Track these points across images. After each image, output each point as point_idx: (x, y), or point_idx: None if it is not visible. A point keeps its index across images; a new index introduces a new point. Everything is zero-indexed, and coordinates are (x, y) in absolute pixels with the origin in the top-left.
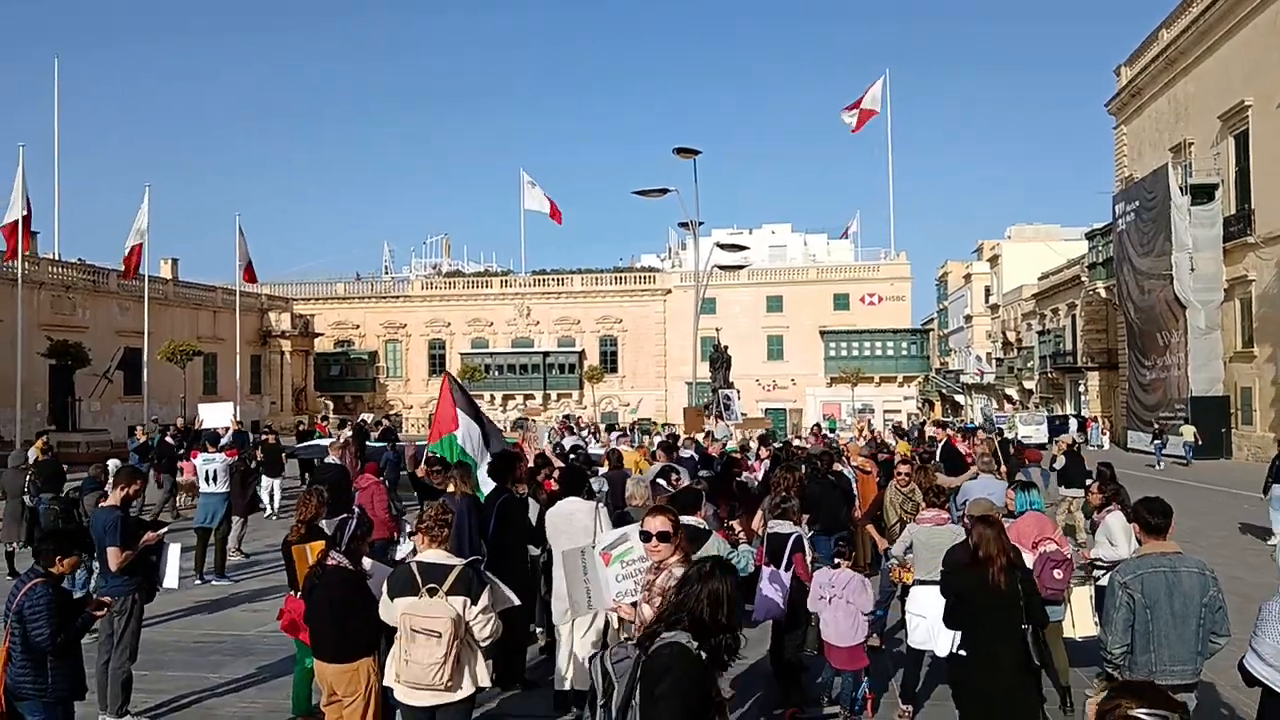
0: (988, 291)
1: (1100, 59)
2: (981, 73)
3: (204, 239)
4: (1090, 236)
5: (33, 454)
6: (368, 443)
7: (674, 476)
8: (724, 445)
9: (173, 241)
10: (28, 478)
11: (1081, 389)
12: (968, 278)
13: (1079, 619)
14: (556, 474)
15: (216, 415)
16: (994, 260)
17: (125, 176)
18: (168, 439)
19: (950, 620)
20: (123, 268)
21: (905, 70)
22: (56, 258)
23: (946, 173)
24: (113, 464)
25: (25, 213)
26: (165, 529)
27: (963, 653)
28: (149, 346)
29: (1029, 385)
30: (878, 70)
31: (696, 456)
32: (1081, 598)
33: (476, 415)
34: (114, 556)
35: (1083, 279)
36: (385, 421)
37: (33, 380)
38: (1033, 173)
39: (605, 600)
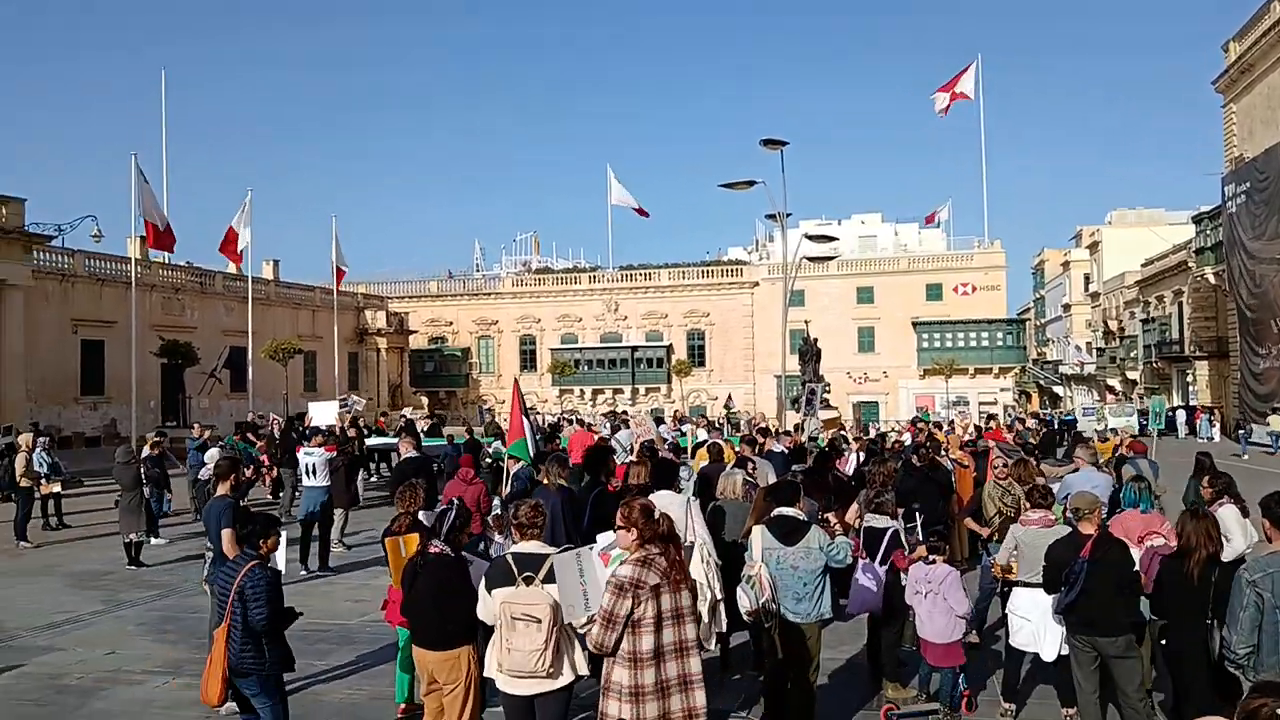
0: (1087, 279)
1: (1206, 34)
2: (1078, 53)
3: (303, 240)
4: (1198, 220)
5: (145, 450)
6: (425, 440)
7: (750, 467)
8: (815, 438)
9: (273, 243)
10: (140, 471)
11: (1189, 379)
12: (1066, 265)
13: None
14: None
15: (324, 413)
16: (1094, 247)
17: (228, 181)
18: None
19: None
20: (231, 266)
21: (998, 54)
22: (166, 261)
23: (1042, 158)
24: (210, 455)
25: (145, 217)
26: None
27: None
28: (253, 345)
29: (1132, 375)
30: (969, 56)
31: (787, 450)
32: None
33: (528, 420)
34: (227, 539)
35: (1190, 264)
36: (432, 419)
37: (146, 378)
38: (1133, 155)
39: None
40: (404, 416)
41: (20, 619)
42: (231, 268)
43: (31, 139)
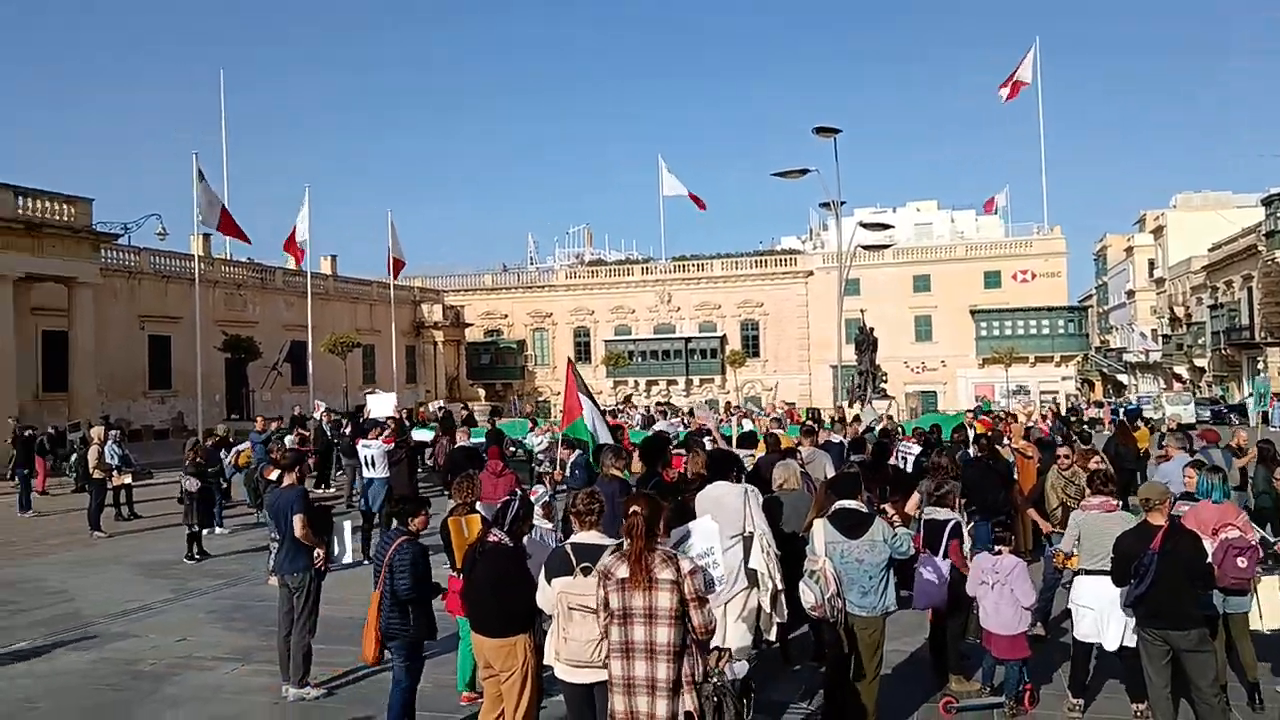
0: (1151, 265)
1: (1271, 13)
2: (1139, 33)
3: (360, 236)
4: (1268, 202)
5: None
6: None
7: (799, 456)
8: (873, 429)
9: (331, 239)
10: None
11: (1260, 366)
12: (1129, 251)
13: (1267, 610)
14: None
15: (381, 405)
16: (1158, 231)
17: (286, 178)
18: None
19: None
20: (290, 258)
21: (1056, 36)
22: (228, 258)
23: (1103, 141)
24: (288, 440)
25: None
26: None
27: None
28: (313, 339)
29: (1200, 363)
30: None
31: (845, 440)
32: (1270, 588)
33: (592, 400)
34: (299, 523)
35: (1260, 248)
36: (444, 409)
37: (210, 373)
38: (1199, 138)
39: None
40: (442, 408)
41: (96, 606)
42: (291, 263)
43: (96, 140)
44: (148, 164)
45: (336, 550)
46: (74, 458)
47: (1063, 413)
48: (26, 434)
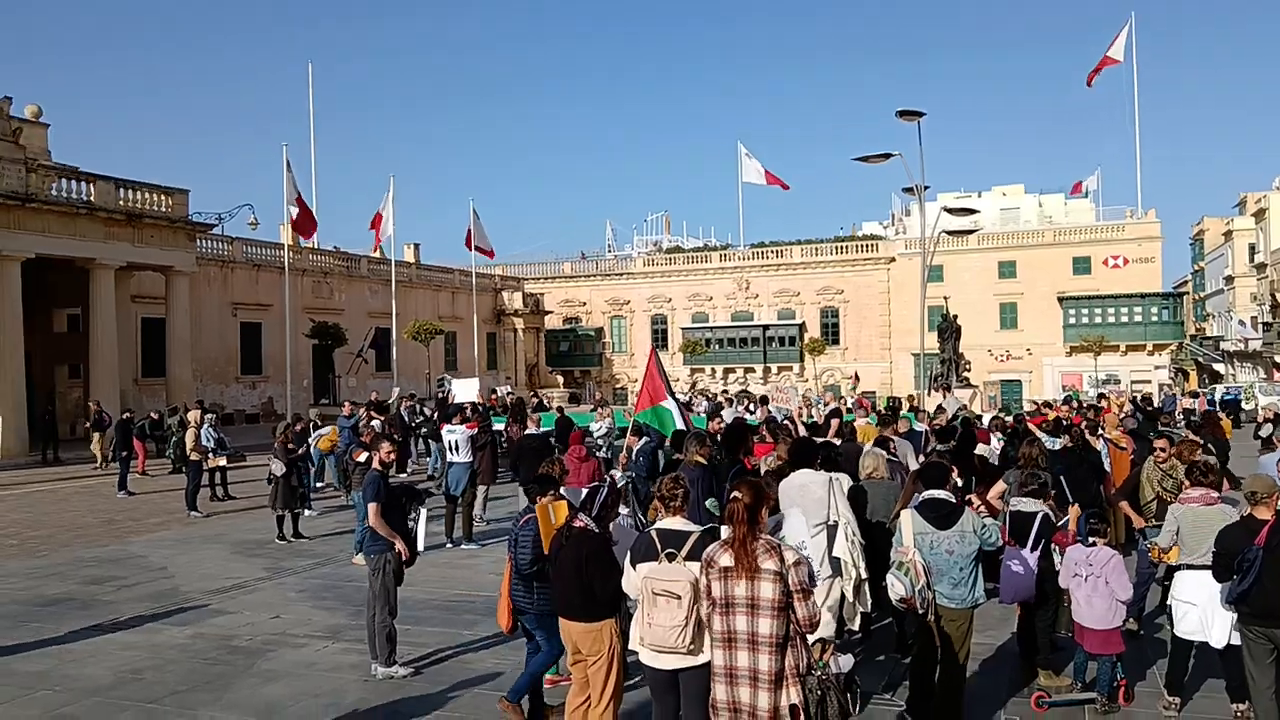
0: (1252, 249)
1: None
2: (1236, 12)
3: (442, 224)
4: None
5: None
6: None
7: (891, 446)
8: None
9: (414, 227)
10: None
11: None
12: (1228, 235)
13: None
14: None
15: (466, 390)
16: (1259, 214)
17: (371, 166)
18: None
19: None
20: (378, 251)
21: (1153, 12)
22: (316, 246)
23: (1201, 122)
24: (375, 424)
25: (295, 210)
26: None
27: None
28: (396, 326)
29: None
30: (1119, 16)
31: (926, 430)
32: None
33: (671, 391)
34: (371, 513)
35: None
36: (515, 395)
37: (299, 359)
38: None
39: None
40: (511, 393)
41: (194, 583)
42: (376, 251)
43: (192, 133)
44: (242, 155)
45: (414, 535)
46: (173, 440)
47: (1145, 406)
48: (125, 417)
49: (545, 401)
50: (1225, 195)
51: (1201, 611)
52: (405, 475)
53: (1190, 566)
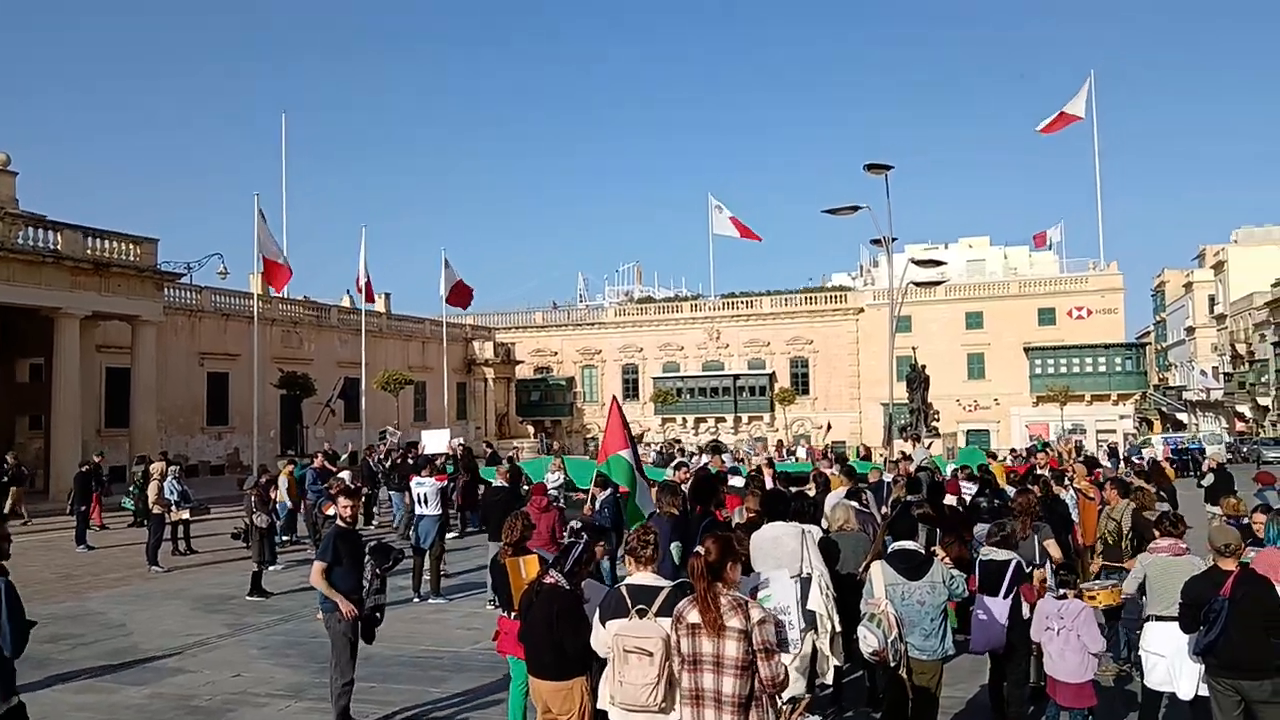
0: (1212, 301)
1: None
2: (1195, 68)
3: (412, 273)
4: None
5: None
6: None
7: (863, 497)
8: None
9: (385, 276)
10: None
11: None
12: (1188, 286)
13: None
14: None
15: (435, 441)
16: (1219, 267)
17: (342, 217)
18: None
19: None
20: (346, 301)
21: (1113, 71)
22: (286, 296)
23: (1160, 176)
24: (345, 475)
25: (265, 255)
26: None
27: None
28: (366, 376)
29: (1264, 401)
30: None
31: (888, 480)
32: None
33: (633, 441)
34: (314, 572)
35: None
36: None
37: (266, 410)
38: (1259, 171)
39: None
40: (461, 445)
41: (153, 640)
42: (346, 301)
43: (161, 181)
44: (212, 204)
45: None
46: (132, 489)
47: (1096, 454)
48: (84, 469)
49: (498, 452)
50: (1185, 248)
51: (1170, 663)
52: (374, 526)
53: (1159, 618)
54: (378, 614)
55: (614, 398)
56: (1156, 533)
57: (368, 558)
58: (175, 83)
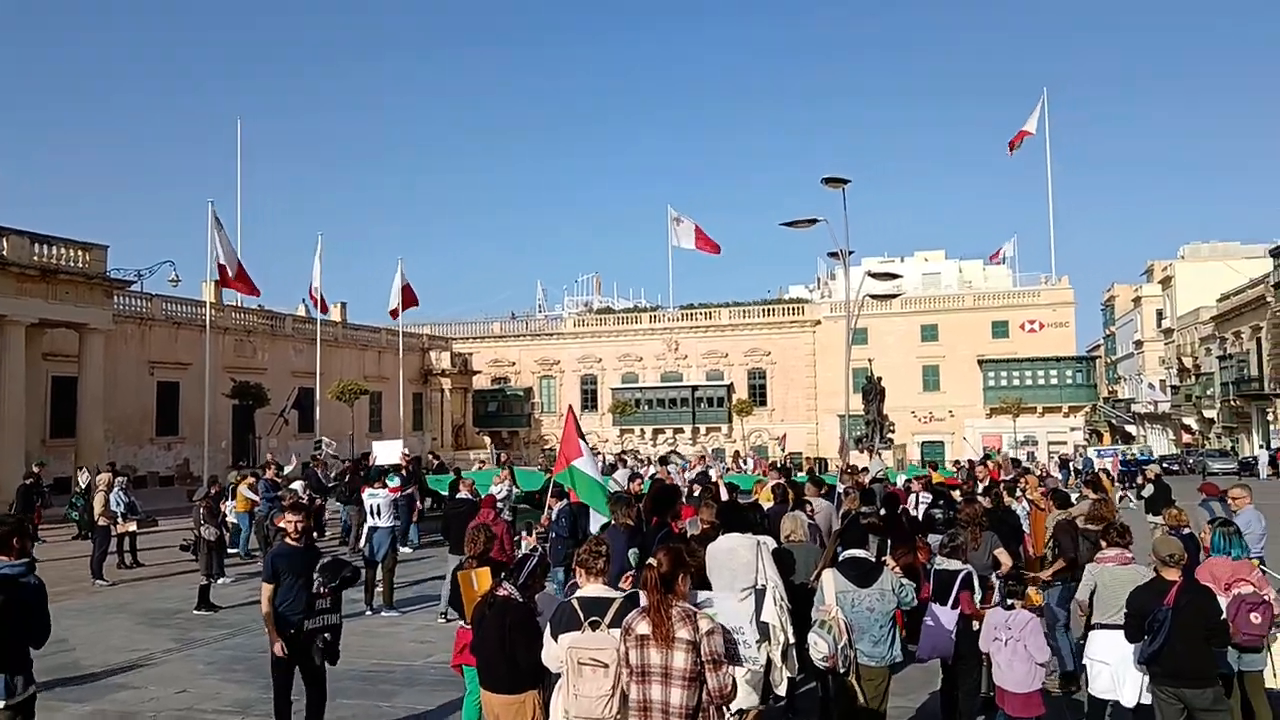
0: (1160, 315)
1: (1275, 67)
2: (1145, 87)
3: (370, 282)
4: (1276, 253)
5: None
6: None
7: (809, 509)
8: (881, 479)
9: (341, 285)
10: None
11: (1270, 417)
12: (1137, 301)
13: None
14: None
15: (387, 452)
16: (1166, 282)
17: (298, 225)
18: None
19: None
20: (301, 310)
21: (1065, 88)
22: (240, 304)
23: (1110, 192)
24: (297, 486)
25: (222, 262)
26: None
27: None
28: (320, 386)
29: (1210, 414)
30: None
31: (840, 489)
32: None
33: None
34: (263, 596)
35: (1269, 299)
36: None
37: (218, 420)
38: (1206, 189)
39: None
40: (408, 455)
41: (95, 656)
42: (301, 310)
43: (113, 187)
44: (165, 211)
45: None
46: (75, 500)
47: (1031, 465)
48: (27, 482)
49: (445, 463)
50: (1134, 263)
51: (1114, 670)
52: (327, 537)
53: (1103, 626)
54: (326, 636)
55: (569, 407)
56: (1104, 543)
57: (316, 575)
58: (127, 86)
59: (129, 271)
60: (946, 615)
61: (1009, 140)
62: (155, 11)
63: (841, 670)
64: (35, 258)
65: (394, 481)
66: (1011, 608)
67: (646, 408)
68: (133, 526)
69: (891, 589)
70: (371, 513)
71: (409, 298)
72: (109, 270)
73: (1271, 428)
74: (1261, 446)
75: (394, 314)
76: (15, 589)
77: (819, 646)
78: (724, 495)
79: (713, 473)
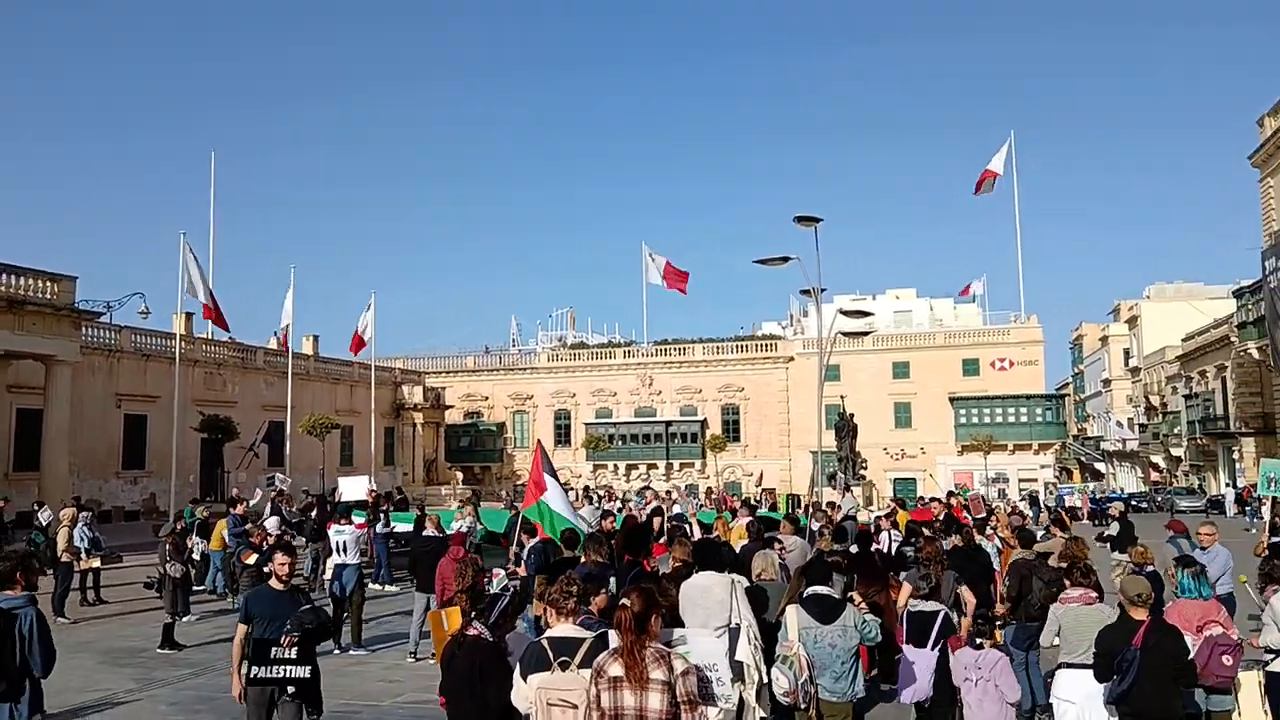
0: (1127, 354)
1: (1241, 109)
2: (1113, 129)
3: (343, 316)
4: (1239, 294)
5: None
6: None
7: (779, 547)
8: (852, 516)
9: (314, 319)
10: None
11: (1235, 456)
12: (1104, 340)
13: (1247, 708)
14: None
15: (353, 488)
16: (1132, 321)
17: (272, 257)
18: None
19: None
20: (273, 344)
21: (1032, 130)
22: (210, 337)
23: (1077, 233)
24: (271, 523)
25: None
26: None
27: None
28: (291, 420)
29: (1177, 452)
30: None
31: (814, 528)
32: (1250, 684)
33: (559, 483)
34: (236, 639)
35: (1232, 339)
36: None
37: (186, 453)
38: (1170, 230)
39: None
40: (372, 492)
41: (56, 697)
42: (272, 343)
43: (83, 218)
44: (134, 242)
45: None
46: (34, 535)
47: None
48: None
49: (409, 498)
50: (1101, 302)
51: (1079, 710)
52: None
53: (1069, 665)
54: (290, 689)
55: (538, 442)
56: (1068, 582)
57: (288, 624)
58: (101, 117)
59: (98, 303)
60: (924, 657)
61: (976, 181)
62: (130, 44)
63: (802, 706)
64: (2, 288)
65: (360, 518)
66: (980, 647)
67: (620, 443)
68: (96, 563)
69: (854, 625)
70: (338, 549)
71: (358, 340)
72: (77, 301)
73: (1237, 466)
74: (1228, 484)
75: (354, 349)
76: (12, 621)
77: (780, 682)
78: (696, 532)
79: (686, 509)
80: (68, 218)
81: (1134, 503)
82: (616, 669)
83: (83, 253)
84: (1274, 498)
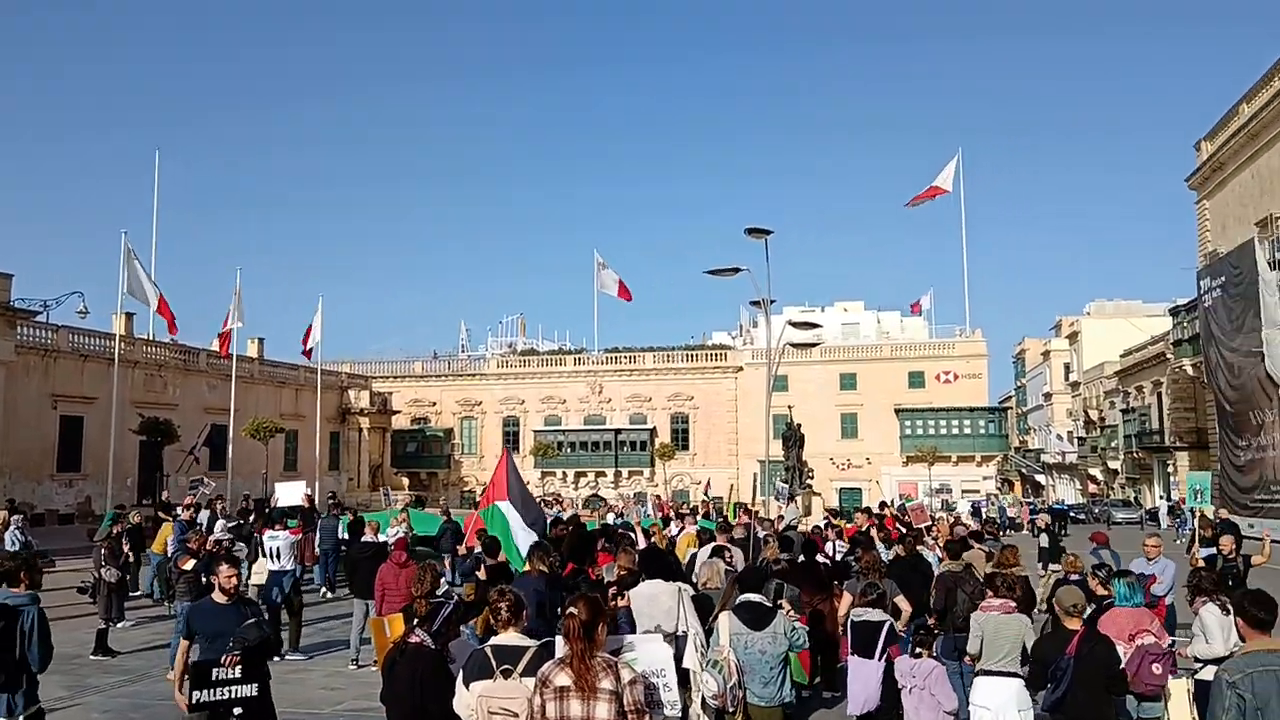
0: (1067, 369)
1: (1179, 132)
2: (1057, 148)
3: (289, 319)
4: (1175, 313)
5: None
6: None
7: (728, 555)
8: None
9: (259, 321)
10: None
11: (1170, 469)
12: (1046, 355)
13: (1176, 715)
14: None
15: (290, 493)
16: (1073, 337)
17: (216, 258)
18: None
19: None
20: (216, 346)
21: (979, 146)
22: (151, 338)
23: (1022, 249)
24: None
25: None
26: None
27: None
28: (234, 423)
29: (1114, 465)
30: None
31: (760, 535)
32: (1179, 692)
33: (524, 494)
34: (178, 655)
35: (1168, 356)
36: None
37: (124, 456)
38: (1111, 248)
39: None
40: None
41: None
42: (216, 345)
43: (21, 215)
44: (74, 241)
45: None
46: None
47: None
48: None
49: (344, 503)
50: (1043, 318)
51: (994, 716)
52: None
53: (986, 672)
54: (236, 711)
55: (505, 450)
56: (989, 592)
57: (230, 643)
58: (42, 116)
59: (34, 302)
60: (870, 667)
61: (916, 197)
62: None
63: (730, 710)
64: None
65: (293, 524)
66: (919, 655)
67: (569, 450)
68: None
69: (784, 632)
70: (271, 555)
71: (308, 338)
72: (13, 300)
73: (1171, 479)
74: (1162, 497)
75: (307, 353)
76: (15, 617)
77: (709, 685)
78: (641, 541)
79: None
80: (3, 215)
81: (1072, 514)
82: (563, 678)
83: (20, 251)
84: (1199, 509)
